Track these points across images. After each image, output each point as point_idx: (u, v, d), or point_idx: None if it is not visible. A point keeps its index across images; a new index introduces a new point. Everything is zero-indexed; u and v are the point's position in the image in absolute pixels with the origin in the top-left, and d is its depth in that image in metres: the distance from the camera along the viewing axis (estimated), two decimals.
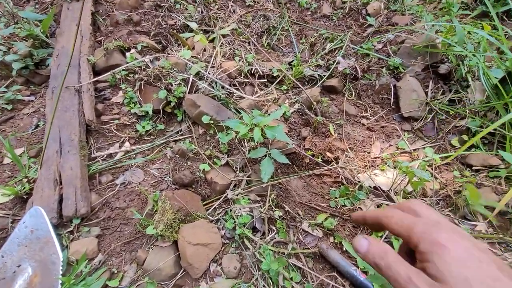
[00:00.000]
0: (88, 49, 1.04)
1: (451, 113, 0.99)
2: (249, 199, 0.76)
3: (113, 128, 0.92)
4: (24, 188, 0.77)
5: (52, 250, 0.65)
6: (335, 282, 0.63)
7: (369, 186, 0.82)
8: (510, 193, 0.69)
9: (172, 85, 0.94)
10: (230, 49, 1.18)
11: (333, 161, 0.89)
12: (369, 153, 0.94)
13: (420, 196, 0.79)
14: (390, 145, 0.96)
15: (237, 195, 0.75)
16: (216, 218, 0.75)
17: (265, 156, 0.78)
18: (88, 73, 0.97)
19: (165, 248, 0.69)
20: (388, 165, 0.88)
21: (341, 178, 0.85)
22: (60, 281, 0.62)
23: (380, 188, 0.81)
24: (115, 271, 0.68)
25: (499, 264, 0.28)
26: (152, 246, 0.70)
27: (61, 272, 0.63)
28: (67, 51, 1.02)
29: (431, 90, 1.06)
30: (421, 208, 0.32)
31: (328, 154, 0.90)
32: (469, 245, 0.28)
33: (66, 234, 0.70)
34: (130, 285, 0.66)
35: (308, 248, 0.68)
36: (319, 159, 0.89)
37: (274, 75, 1.12)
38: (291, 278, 0.64)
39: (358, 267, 0.65)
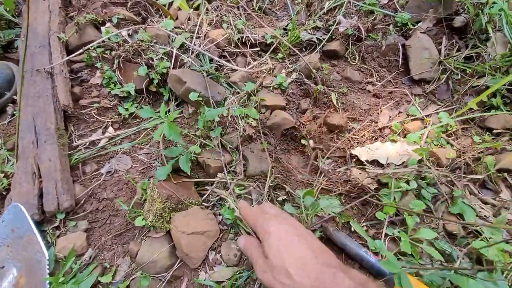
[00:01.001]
0: (58, 25, 0.93)
1: (467, 72, 0.89)
2: (245, 181, 0.69)
3: (94, 112, 0.84)
4: (3, 183, 0.71)
5: (36, 249, 0.60)
6: (346, 263, 0.58)
7: (366, 160, 0.75)
8: None
9: (153, 60, 0.84)
10: (217, 15, 1.05)
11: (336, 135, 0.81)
12: (376, 122, 0.85)
13: (435, 166, 0.71)
14: (400, 112, 0.87)
15: (232, 179, 0.69)
16: (212, 203, 0.69)
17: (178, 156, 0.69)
18: (60, 52, 0.87)
19: (158, 239, 0.64)
20: (398, 134, 0.80)
21: (344, 153, 0.78)
22: (47, 282, 0.57)
23: (378, 161, 0.74)
24: (108, 266, 0.63)
25: (308, 240, 0.41)
26: (144, 237, 0.65)
27: (48, 271, 0.59)
28: (35, 29, 0.91)
29: (445, 47, 0.95)
30: (267, 207, 0.49)
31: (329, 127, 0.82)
32: (289, 229, 0.42)
33: (51, 230, 0.65)
34: (124, 279, 0.62)
35: (314, 230, 0.62)
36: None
37: (268, 43, 1.00)
38: None
39: (368, 248, 0.59)
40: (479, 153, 0.73)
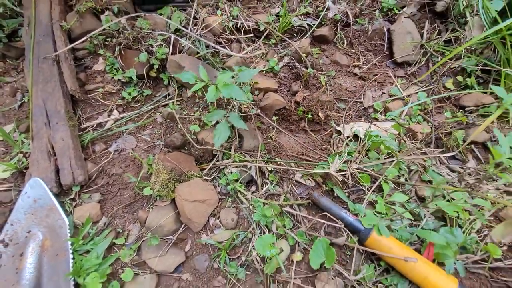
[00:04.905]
0: (59, 14, 0.98)
1: (446, 54, 0.95)
2: (241, 153, 0.77)
3: (99, 97, 0.90)
4: (23, 162, 0.79)
5: (58, 216, 0.69)
6: (329, 221, 0.67)
7: (347, 136, 0.83)
8: (482, 127, 0.70)
9: (152, 47, 0.90)
10: (212, 4, 1.09)
11: (324, 120, 0.88)
12: (361, 103, 0.92)
13: (410, 140, 0.80)
14: (383, 93, 0.94)
15: (230, 154, 0.76)
16: (212, 177, 0.77)
17: (222, 119, 0.74)
18: (63, 40, 0.92)
19: (164, 207, 0.72)
20: (379, 113, 0.87)
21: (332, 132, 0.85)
22: (69, 242, 0.66)
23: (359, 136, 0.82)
24: (120, 231, 0.72)
25: None
26: (151, 206, 0.74)
27: (69, 235, 0.67)
28: (38, 18, 0.96)
29: (427, 31, 1.01)
30: None
31: (320, 114, 0.88)
32: None
33: (68, 201, 0.73)
34: (135, 241, 0.70)
35: (302, 197, 0.71)
36: (309, 116, 0.87)
37: (261, 29, 1.05)
38: (284, 226, 0.67)
39: (348, 210, 0.68)
40: (451, 128, 0.81)
